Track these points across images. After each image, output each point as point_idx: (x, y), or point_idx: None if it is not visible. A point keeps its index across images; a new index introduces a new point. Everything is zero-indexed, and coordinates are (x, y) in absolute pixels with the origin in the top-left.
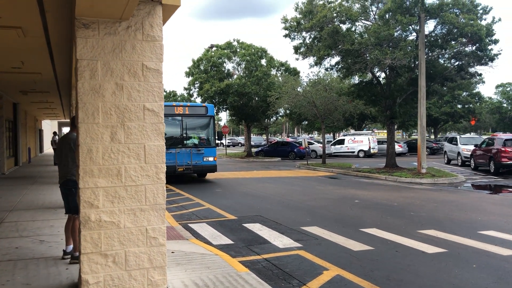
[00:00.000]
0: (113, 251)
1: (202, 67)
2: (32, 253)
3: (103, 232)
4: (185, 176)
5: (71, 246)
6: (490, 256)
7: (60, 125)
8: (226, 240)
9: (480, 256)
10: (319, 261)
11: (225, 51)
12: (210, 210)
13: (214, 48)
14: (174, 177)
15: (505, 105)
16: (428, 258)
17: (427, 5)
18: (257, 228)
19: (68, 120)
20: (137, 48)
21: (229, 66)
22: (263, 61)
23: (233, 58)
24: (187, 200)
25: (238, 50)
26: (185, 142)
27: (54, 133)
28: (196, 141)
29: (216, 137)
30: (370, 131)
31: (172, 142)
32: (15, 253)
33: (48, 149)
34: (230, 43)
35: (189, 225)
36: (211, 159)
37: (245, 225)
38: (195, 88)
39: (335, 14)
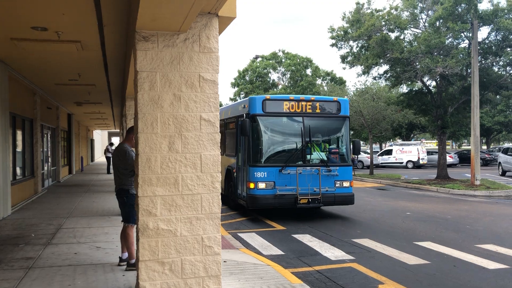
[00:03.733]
0: (170, 259)
1: (247, 78)
2: (90, 259)
3: (160, 240)
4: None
5: (126, 253)
6: None
7: (110, 135)
8: (277, 251)
9: None
10: (373, 275)
11: (270, 61)
12: (258, 220)
13: (259, 59)
14: (278, 211)
15: None
16: (489, 275)
17: (480, 12)
18: (307, 239)
19: (118, 131)
20: (194, 60)
21: (274, 76)
22: (308, 71)
23: (278, 68)
24: (232, 210)
25: (283, 60)
26: (308, 157)
27: (111, 143)
28: (323, 155)
29: (352, 150)
30: (419, 141)
31: (289, 157)
32: (74, 259)
33: (99, 158)
34: (275, 53)
35: (239, 234)
36: (346, 184)
37: (294, 236)
38: (240, 99)
39: (383, 23)
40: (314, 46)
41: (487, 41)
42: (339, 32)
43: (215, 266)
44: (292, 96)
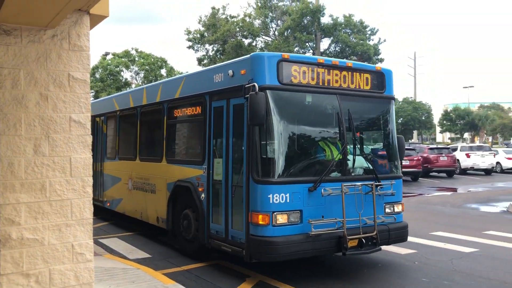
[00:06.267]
0: (36, 270)
1: (98, 75)
2: None
3: (25, 250)
4: None
5: None
6: None
7: None
8: (143, 254)
9: None
10: (240, 269)
11: (123, 59)
12: (119, 224)
13: (110, 56)
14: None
15: None
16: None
17: (322, 25)
18: (172, 239)
19: None
20: (63, 58)
21: (127, 75)
22: (163, 71)
23: (131, 67)
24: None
25: (136, 59)
26: (349, 164)
27: None
28: (367, 162)
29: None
30: None
31: (322, 165)
32: None
33: None
34: (128, 51)
35: (100, 240)
36: (398, 209)
37: (160, 237)
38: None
39: (238, 29)
40: (171, 47)
41: (328, 52)
42: (195, 35)
43: (87, 274)
44: (321, 59)
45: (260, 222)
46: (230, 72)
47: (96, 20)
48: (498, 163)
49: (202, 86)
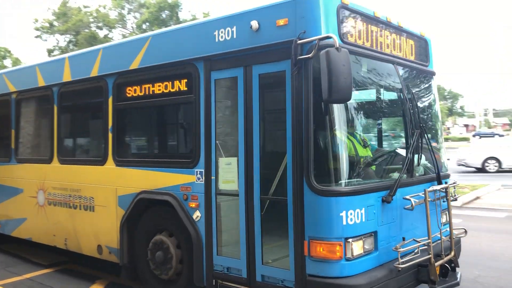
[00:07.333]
0: None
1: None
2: None
3: None
4: None
5: None
6: None
7: None
8: None
9: None
10: (90, 271)
11: None
12: None
13: None
14: None
15: None
16: None
17: (181, 20)
18: (14, 247)
19: None
20: None
21: None
22: (7, 62)
23: None
24: None
25: None
26: (416, 162)
27: None
28: (432, 159)
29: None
30: None
31: (391, 162)
32: None
33: None
34: None
35: None
36: (444, 219)
37: (1, 245)
38: None
39: (91, 19)
40: (17, 37)
41: None
42: (44, 24)
43: None
44: (377, 13)
45: (328, 256)
46: (254, 23)
47: None
48: None
49: (188, 49)
